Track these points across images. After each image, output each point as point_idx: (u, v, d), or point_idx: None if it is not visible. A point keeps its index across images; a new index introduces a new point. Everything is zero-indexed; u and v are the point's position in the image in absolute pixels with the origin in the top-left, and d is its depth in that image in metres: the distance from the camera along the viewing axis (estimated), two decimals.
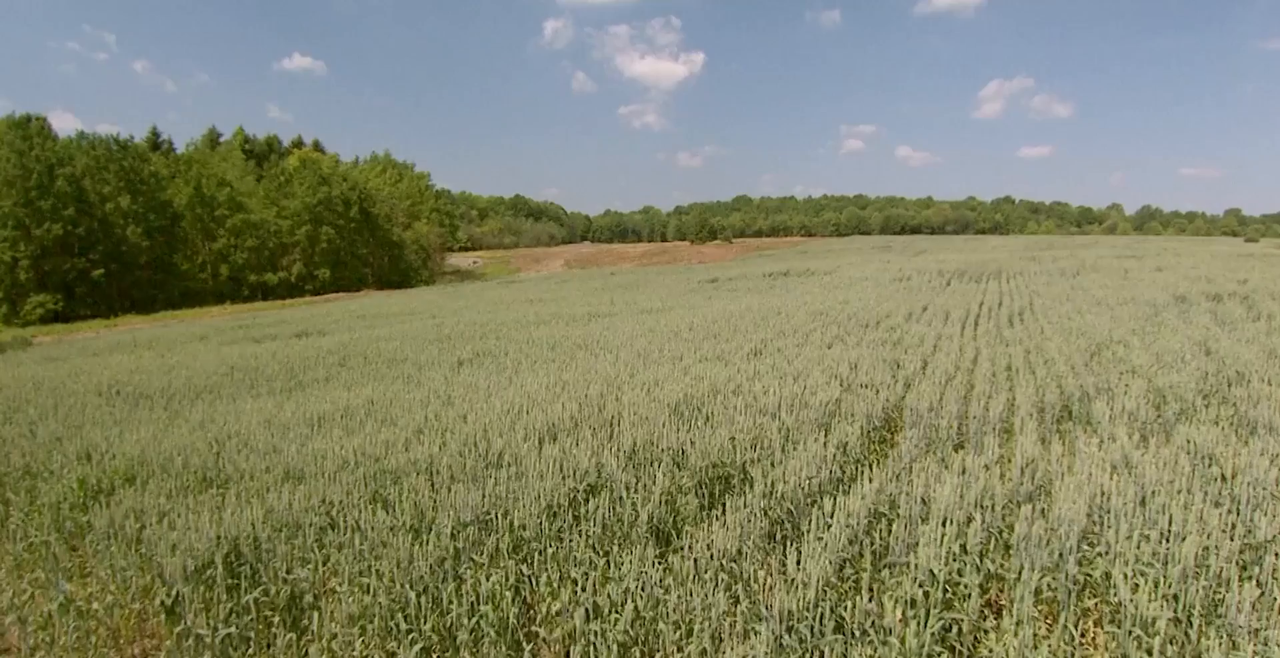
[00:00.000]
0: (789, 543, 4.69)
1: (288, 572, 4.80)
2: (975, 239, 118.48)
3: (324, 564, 4.90)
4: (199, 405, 11.99)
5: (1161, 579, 3.97)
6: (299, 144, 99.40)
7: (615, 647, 3.69)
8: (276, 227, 74.00)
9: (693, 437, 6.69)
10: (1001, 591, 4.25)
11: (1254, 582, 3.97)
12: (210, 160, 76.96)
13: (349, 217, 78.33)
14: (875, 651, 3.51)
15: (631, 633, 3.86)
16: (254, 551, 5.10)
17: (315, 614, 4.28)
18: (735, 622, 3.85)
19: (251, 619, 4.51)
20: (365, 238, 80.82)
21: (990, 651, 3.63)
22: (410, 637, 4.09)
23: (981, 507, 4.94)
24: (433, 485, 5.85)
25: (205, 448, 8.06)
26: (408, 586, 4.41)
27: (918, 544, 4.34)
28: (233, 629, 4.36)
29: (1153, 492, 5.08)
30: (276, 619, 4.48)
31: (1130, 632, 3.58)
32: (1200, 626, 3.66)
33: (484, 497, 5.48)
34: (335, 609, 4.43)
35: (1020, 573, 4.17)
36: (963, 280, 31.18)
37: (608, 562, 4.57)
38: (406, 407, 9.54)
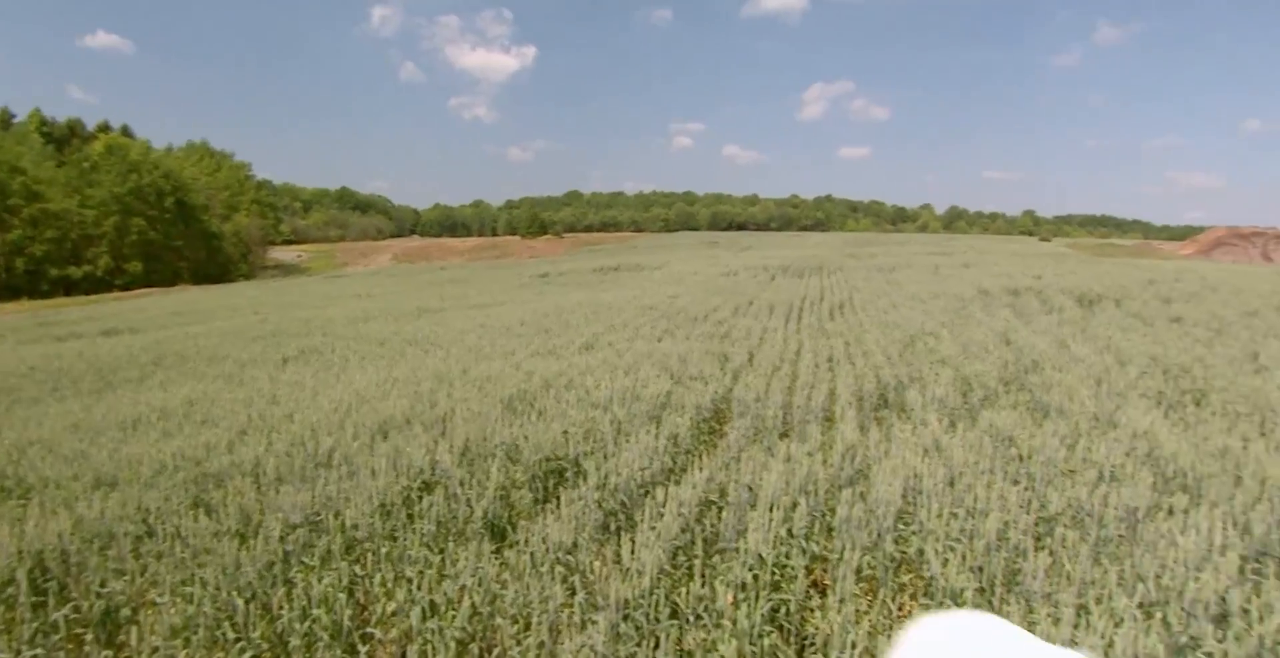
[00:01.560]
0: (623, 533, 4.76)
1: (101, 585, 4.52)
2: (798, 236, 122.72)
3: (142, 575, 4.64)
4: None
5: (968, 553, 4.26)
6: (105, 128, 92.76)
7: (453, 644, 3.66)
8: (80, 217, 68.93)
9: (526, 431, 6.69)
10: (825, 571, 4.45)
11: (1047, 552, 4.32)
12: (3, 143, 70.88)
13: (162, 207, 73.78)
14: (709, 634, 3.62)
15: (469, 629, 3.83)
16: (62, 564, 4.78)
17: (134, 629, 4.06)
18: (573, 613, 3.88)
19: (61, 639, 4.22)
20: (180, 230, 76.36)
21: (816, 628, 3.80)
22: (239, 646, 3.94)
23: (806, 492, 5.15)
24: (259, 488, 5.64)
25: (3, 456, 7.49)
26: (234, 593, 4.24)
27: (747, 530, 4.50)
28: (39, 651, 4.08)
29: (960, 473, 5.43)
30: (90, 636, 4.22)
31: (941, 603, 3.83)
32: (1001, 593, 3.95)
33: (314, 497, 5.32)
34: (156, 622, 4.21)
35: (842, 553, 4.38)
36: (787, 276, 32.25)
37: (443, 559, 4.53)
38: (229, 407, 9.13)
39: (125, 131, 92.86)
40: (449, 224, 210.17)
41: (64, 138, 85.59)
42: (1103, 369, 9.58)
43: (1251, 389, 8.11)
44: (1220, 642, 3.35)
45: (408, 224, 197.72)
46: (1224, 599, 3.65)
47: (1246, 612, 3.56)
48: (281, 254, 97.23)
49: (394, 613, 4.05)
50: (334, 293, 38.10)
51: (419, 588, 4.17)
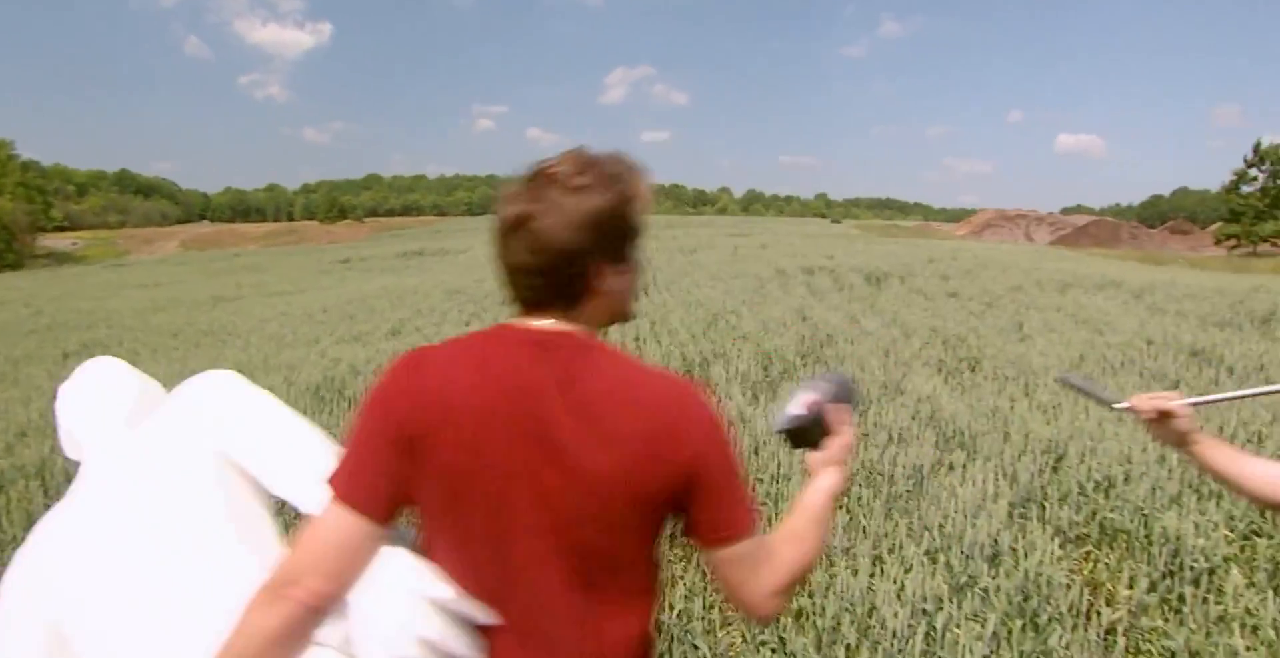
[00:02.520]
0: None
1: None
2: None
3: None
4: None
5: (773, 515, 4.52)
6: None
7: None
8: None
9: (337, 419, 6.54)
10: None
11: (844, 510, 4.64)
12: None
13: None
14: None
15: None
16: None
17: None
18: None
19: None
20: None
21: None
22: None
23: None
24: (46, 491, 5.28)
25: None
26: None
27: None
28: None
29: (764, 441, 5.72)
30: None
31: None
32: None
33: None
34: None
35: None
36: None
37: None
38: (2, 407, 8.45)
39: None
40: (242, 209, 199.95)
41: None
42: (890, 341, 10.25)
43: (1017, 356, 8.90)
44: (994, 578, 3.71)
45: (196, 209, 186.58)
46: (996, 542, 4.04)
47: (1014, 551, 3.95)
48: (54, 242, 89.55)
49: None
50: (117, 282, 35.53)
51: None
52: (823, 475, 1.51)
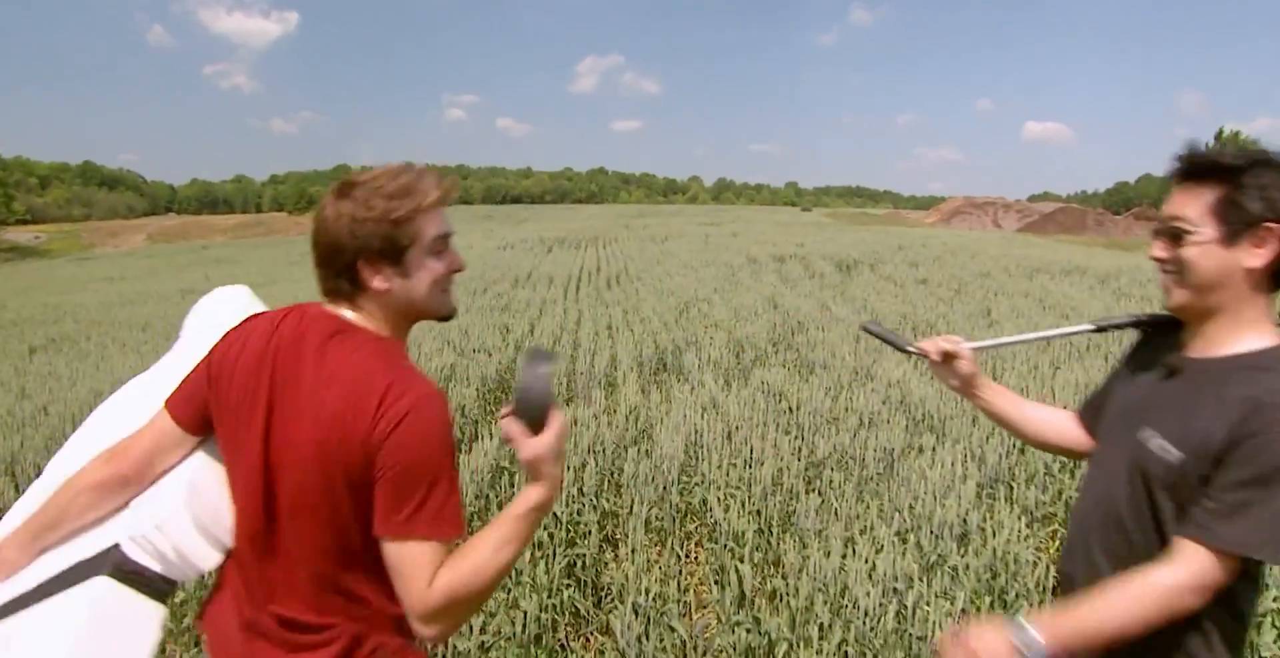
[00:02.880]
0: None
1: None
2: (573, 209, 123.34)
3: None
4: None
5: (747, 499, 4.57)
6: None
7: None
8: None
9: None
10: (617, 525, 4.65)
11: (817, 493, 4.70)
12: None
13: None
14: (509, 592, 3.72)
15: None
16: None
17: None
18: None
19: None
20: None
21: (611, 579, 3.98)
22: None
23: (594, 452, 5.33)
24: (17, 486, 5.24)
25: None
26: None
27: None
28: None
29: (736, 426, 5.77)
30: None
31: (725, 545, 4.10)
32: (778, 533, 4.27)
33: None
34: None
35: (631, 507, 4.59)
36: (563, 247, 32.50)
37: None
38: None
39: None
40: (209, 201, 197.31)
41: None
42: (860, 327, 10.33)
43: None
44: (963, 557, 3.78)
45: (162, 201, 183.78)
46: (965, 521, 4.12)
47: (983, 530, 4.03)
48: (16, 235, 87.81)
49: None
50: (83, 276, 35.08)
51: None
52: (532, 488, 1.45)
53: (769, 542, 4.23)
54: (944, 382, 1.94)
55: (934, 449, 5.25)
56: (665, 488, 4.81)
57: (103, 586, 1.56)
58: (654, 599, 3.60)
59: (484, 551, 1.41)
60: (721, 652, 3.27)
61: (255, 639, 1.54)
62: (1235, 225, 1.42)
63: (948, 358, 1.88)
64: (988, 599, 3.52)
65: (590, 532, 4.34)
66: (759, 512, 4.46)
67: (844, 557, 3.75)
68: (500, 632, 3.33)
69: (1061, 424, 1.88)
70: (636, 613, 3.43)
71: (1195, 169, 1.47)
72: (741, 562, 3.81)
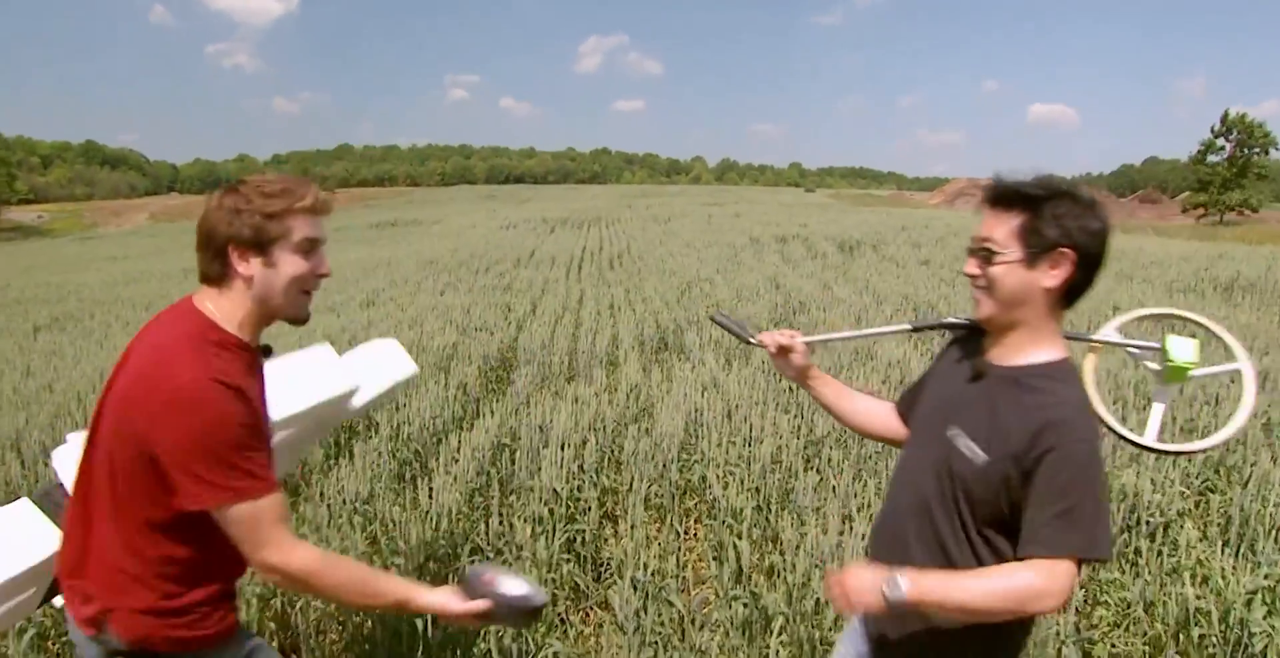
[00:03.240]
0: (419, 480, 4.80)
1: None
2: (575, 189, 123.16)
3: None
4: None
5: (746, 477, 4.61)
6: None
7: (255, 600, 3.63)
8: None
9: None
10: (616, 502, 4.69)
11: (815, 471, 4.74)
12: None
13: None
14: (510, 567, 3.76)
15: (268, 586, 3.79)
16: None
17: None
18: (374, 558, 3.92)
19: None
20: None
21: (610, 554, 4.03)
22: None
23: (595, 430, 5.37)
24: (23, 463, 5.28)
25: None
26: None
27: (540, 468, 4.66)
28: None
29: (736, 405, 5.80)
30: None
31: (724, 522, 4.13)
32: (777, 510, 4.31)
33: None
34: None
35: (631, 484, 4.63)
36: (566, 227, 32.48)
37: None
38: None
39: None
40: (211, 180, 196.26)
41: None
42: (862, 307, 10.37)
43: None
44: None
45: (165, 181, 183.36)
46: None
47: None
48: (19, 215, 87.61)
49: None
50: (86, 256, 35.13)
51: None
52: (433, 600, 1.69)
53: (767, 519, 4.26)
54: (781, 371, 2.10)
55: None
56: (665, 466, 4.84)
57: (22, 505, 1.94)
58: (652, 575, 3.64)
59: (363, 583, 1.66)
60: (719, 626, 3.31)
61: None
62: (1035, 249, 1.58)
63: (783, 351, 2.04)
64: None
65: (590, 508, 4.38)
66: (758, 489, 4.49)
67: (841, 534, 3.78)
68: None
69: (884, 415, 2.06)
70: (635, 588, 3.47)
71: (1003, 197, 1.64)
72: (740, 538, 3.85)
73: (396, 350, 2.93)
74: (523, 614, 1.72)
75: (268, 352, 1.81)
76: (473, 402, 6.71)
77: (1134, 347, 2.04)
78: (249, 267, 1.63)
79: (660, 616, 3.35)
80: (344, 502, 4.49)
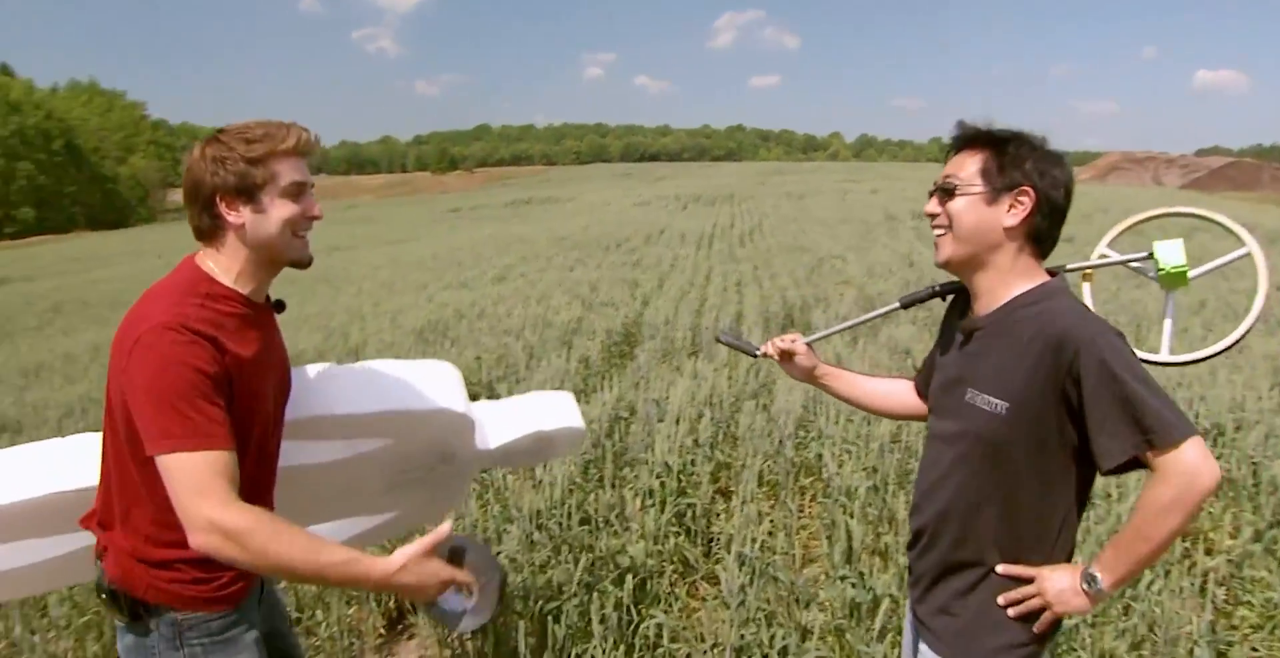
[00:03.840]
0: None
1: None
2: (710, 166, 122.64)
3: None
4: None
5: (864, 455, 4.50)
6: None
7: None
8: None
9: (439, 359, 6.74)
10: (730, 477, 4.65)
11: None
12: None
13: (50, 150, 70.21)
14: (618, 537, 3.78)
15: (385, 546, 3.92)
16: None
17: None
18: (488, 525, 4.00)
19: None
20: (72, 174, 72.85)
21: (719, 529, 4.00)
22: None
23: (711, 405, 5.34)
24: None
25: None
26: None
27: (654, 442, 4.66)
28: None
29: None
30: None
31: (837, 500, 4.05)
32: (893, 489, 4.19)
33: None
34: None
35: (745, 460, 4.58)
36: (698, 205, 32.41)
37: None
38: None
39: (5, 70, 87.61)
40: (356, 161, 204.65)
41: None
42: None
43: (1131, 300, 8.57)
44: (1095, 522, 3.63)
45: (313, 162, 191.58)
46: None
47: (1108, 495, 3.86)
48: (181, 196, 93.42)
49: None
50: None
51: None
52: (380, 569, 1.51)
53: (883, 499, 4.15)
54: (790, 375, 2.11)
55: None
56: (781, 442, 4.78)
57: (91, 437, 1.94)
58: (761, 550, 3.60)
59: (309, 551, 1.48)
60: (825, 605, 3.24)
61: None
62: (997, 186, 1.57)
63: (785, 355, 2.06)
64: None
65: (702, 482, 4.36)
66: (874, 469, 4.38)
67: None
68: (604, 575, 3.39)
69: (901, 394, 2.04)
70: (742, 563, 3.44)
71: (968, 138, 1.64)
72: (852, 517, 3.76)
73: (568, 404, 2.71)
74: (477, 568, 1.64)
75: (280, 306, 1.84)
76: (595, 375, 6.77)
77: (1121, 262, 1.88)
78: (239, 215, 1.63)
79: (765, 591, 3.30)
80: None
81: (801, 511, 4.38)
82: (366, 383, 2.14)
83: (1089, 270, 1.97)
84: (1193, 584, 3.28)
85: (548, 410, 2.64)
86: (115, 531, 1.68)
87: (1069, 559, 1.61)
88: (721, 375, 6.00)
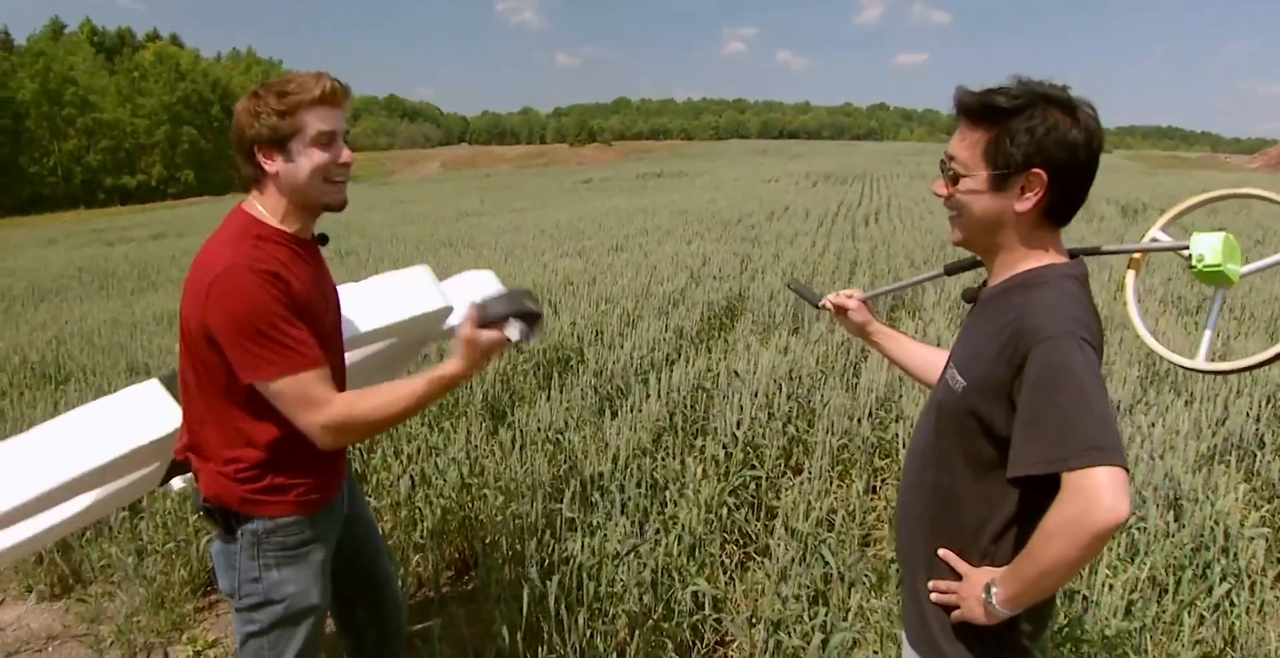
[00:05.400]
0: (615, 416, 4.90)
1: None
2: (849, 145, 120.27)
3: None
4: (43, 308, 11.57)
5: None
6: (154, 37, 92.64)
7: (439, 511, 3.85)
8: (132, 126, 69.44)
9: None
10: (805, 453, 4.58)
11: None
12: (57, 54, 70.98)
13: (211, 116, 74.14)
14: (676, 504, 3.78)
15: (455, 498, 4.01)
16: None
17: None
18: (551, 483, 4.05)
19: None
20: (230, 139, 77.04)
21: (780, 502, 3.95)
22: None
23: (792, 379, 5.26)
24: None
25: (45, 346, 7.83)
26: None
27: (727, 413, 4.63)
28: None
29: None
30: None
31: None
32: None
33: None
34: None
35: (821, 437, 4.50)
36: (829, 183, 31.84)
37: (440, 436, 4.68)
38: None
39: (174, 40, 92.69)
40: (497, 132, 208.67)
41: (114, 47, 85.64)
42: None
43: (1273, 294, 8.03)
44: (1172, 524, 3.44)
45: (456, 132, 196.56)
46: (1178, 484, 3.73)
47: (1195, 498, 3.64)
48: None
49: (390, 485, 4.23)
50: (379, 199, 38.26)
51: (411, 461, 4.36)
52: (451, 362, 1.78)
53: None
54: (844, 329, 2.13)
55: (1168, 407, 4.77)
56: (858, 420, 4.67)
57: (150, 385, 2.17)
58: (818, 528, 3.54)
59: (392, 394, 1.77)
60: (868, 585, 3.16)
61: None
62: (1003, 170, 1.41)
63: (839, 310, 2.07)
64: (1189, 572, 3.18)
65: (770, 455, 4.31)
66: None
67: None
68: (656, 540, 3.38)
69: (940, 364, 1.80)
70: (794, 537, 3.39)
71: (970, 109, 1.44)
72: None
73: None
74: (495, 305, 1.77)
75: (324, 240, 2.01)
76: (689, 345, 6.74)
77: (1150, 249, 1.70)
78: (274, 164, 1.79)
79: (813, 569, 3.25)
80: (538, 430, 4.66)
81: (874, 492, 4.29)
82: (360, 303, 2.42)
83: (1136, 256, 1.81)
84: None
85: (475, 284, 2.99)
86: (204, 455, 1.88)
87: None
88: (810, 351, 5.90)
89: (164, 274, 14.72)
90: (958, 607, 1.48)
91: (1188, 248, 1.59)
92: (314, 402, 1.72)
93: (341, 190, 1.89)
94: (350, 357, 2.32)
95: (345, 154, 1.85)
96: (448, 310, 2.68)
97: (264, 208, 1.84)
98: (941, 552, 1.53)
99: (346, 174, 1.88)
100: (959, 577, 1.50)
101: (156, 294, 12.36)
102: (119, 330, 8.69)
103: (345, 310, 2.21)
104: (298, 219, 1.87)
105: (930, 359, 1.95)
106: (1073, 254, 1.55)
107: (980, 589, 1.41)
